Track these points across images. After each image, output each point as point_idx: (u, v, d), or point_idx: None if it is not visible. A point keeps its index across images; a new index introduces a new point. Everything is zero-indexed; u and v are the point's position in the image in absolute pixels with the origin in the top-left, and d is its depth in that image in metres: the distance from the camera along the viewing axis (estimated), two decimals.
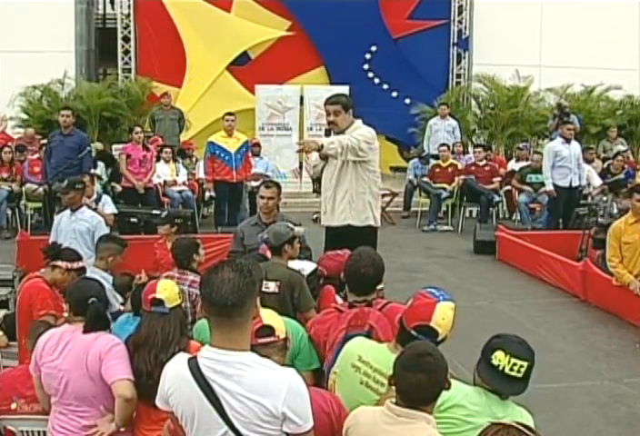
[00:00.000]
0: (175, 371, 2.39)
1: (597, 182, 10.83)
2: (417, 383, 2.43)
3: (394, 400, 2.51)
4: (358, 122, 5.76)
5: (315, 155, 5.84)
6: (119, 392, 3.25)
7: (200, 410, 2.30)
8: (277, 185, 6.03)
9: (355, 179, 5.69)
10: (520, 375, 2.76)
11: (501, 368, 2.75)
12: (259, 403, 2.25)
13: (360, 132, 5.60)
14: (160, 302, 3.41)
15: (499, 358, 2.76)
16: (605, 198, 9.14)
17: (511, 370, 2.74)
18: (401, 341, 2.92)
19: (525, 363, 2.76)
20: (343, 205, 5.71)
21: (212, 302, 2.28)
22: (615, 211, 8.28)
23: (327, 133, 5.81)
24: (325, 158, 5.77)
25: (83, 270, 4.84)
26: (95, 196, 7.90)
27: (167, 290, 3.50)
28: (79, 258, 4.87)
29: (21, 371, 3.79)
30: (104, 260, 5.45)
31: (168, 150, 11.17)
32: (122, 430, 3.33)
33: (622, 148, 13.06)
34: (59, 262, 4.73)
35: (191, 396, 2.30)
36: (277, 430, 2.30)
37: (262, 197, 5.87)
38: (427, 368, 2.44)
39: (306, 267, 4.65)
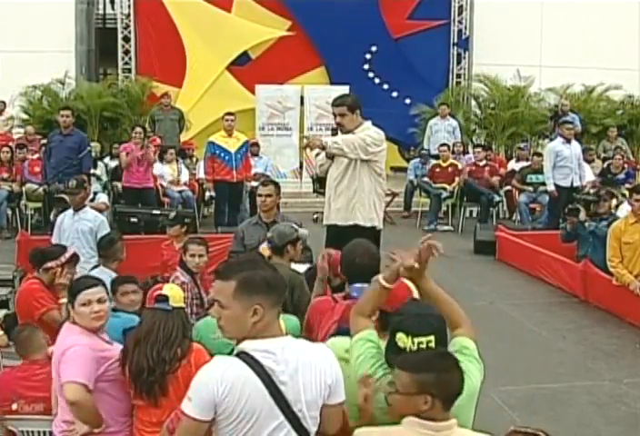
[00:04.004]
0: (230, 372, 2.31)
1: (590, 177, 10.83)
2: (459, 379, 2.40)
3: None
4: (367, 123, 5.74)
5: (321, 155, 5.84)
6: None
7: (262, 405, 2.31)
8: (276, 184, 6.04)
9: (362, 179, 5.70)
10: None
11: (408, 350, 2.53)
12: (319, 381, 2.38)
13: (368, 132, 5.61)
14: (165, 299, 3.42)
15: (402, 340, 2.54)
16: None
17: (419, 349, 2.53)
18: (382, 325, 2.83)
19: (432, 337, 2.54)
20: (350, 205, 5.71)
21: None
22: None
23: (334, 133, 5.80)
24: (331, 157, 5.77)
25: (76, 257, 4.88)
26: (90, 196, 7.88)
27: (173, 290, 3.54)
28: (64, 248, 4.88)
29: (22, 372, 3.79)
30: (117, 260, 5.47)
31: (172, 151, 11.18)
32: (96, 431, 3.21)
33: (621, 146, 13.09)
34: (49, 264, 4.74)
35: (256, 393, 2.30)
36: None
37: (260, 195, 5.91)
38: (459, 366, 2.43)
39: (299, 269, 4.66)
